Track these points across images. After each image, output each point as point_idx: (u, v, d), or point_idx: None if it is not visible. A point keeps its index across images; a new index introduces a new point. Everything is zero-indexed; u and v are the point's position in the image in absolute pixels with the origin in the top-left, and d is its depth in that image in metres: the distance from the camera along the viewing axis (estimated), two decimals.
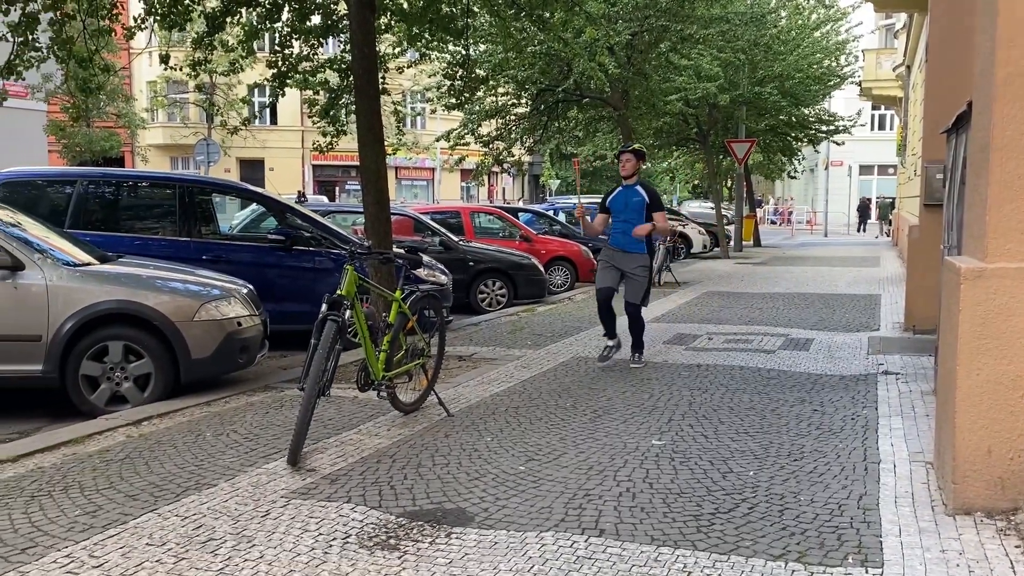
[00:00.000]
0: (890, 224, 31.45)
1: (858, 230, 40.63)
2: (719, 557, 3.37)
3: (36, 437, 5.26)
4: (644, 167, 7.58)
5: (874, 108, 40.24)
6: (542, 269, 12.92)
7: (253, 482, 4.27)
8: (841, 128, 26.02)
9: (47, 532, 3.63)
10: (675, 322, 10.14)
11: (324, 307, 4.80)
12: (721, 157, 27.20)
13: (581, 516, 3.81)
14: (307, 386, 4.57)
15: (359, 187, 43.29)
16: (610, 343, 7.43)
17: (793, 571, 3.25)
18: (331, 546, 3.48)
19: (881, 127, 45.18)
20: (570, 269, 14.65)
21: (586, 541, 3.53)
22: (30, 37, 6.69)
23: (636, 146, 7.56)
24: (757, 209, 34.89)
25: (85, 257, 6.43)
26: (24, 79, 7.90)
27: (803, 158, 32.11)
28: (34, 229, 6.59)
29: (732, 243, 24.08)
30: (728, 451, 4.81)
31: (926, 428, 5.14)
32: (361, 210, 8.68)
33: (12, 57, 6.70)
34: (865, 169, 46.03)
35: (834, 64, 24.67)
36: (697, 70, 17.43)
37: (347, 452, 4.80)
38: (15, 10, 6.48)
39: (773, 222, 49.58)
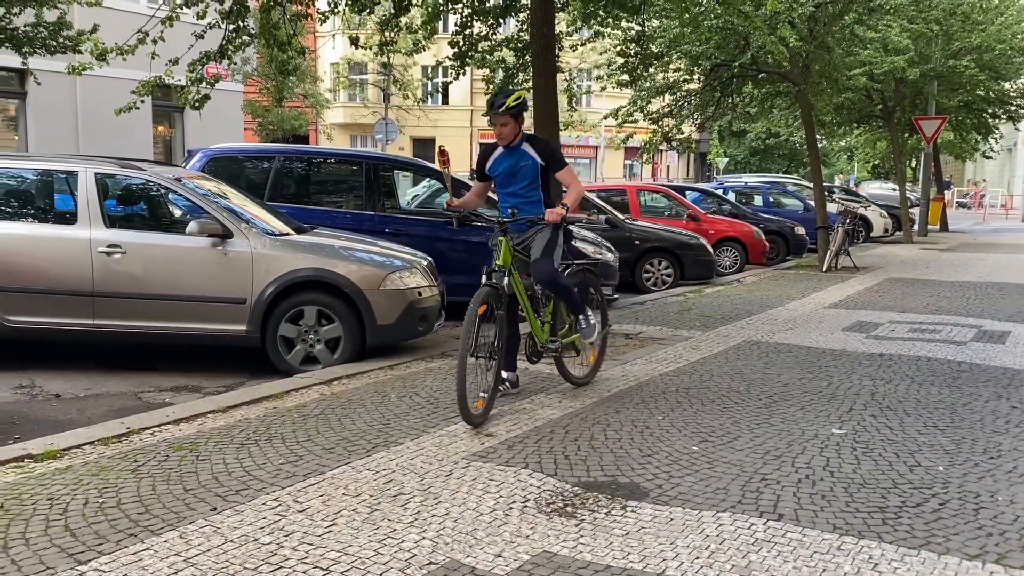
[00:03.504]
0: None
1: None
2: (908, 551, 3.25)
3: (241, 391, 5.76)
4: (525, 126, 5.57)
5: None
6: (710, 249, 12.66)
7: (435, 443, 4.51)
8: None
9: (256, 477, 3.99)
10: (855, 308, 9.69)
11: (483, 277, 4.98)
12: (907, 135, 25.46)
13: (759, 499, 3.77)
14: (459, 347, 4.75)
15: None
16: (506, 375, 5.52)
17: (991, 572, 3.09)
18: (511, 508, 3.64)
19: None
20: (739, 250, 14.28)
21: (764, 524, 3.50)
22: (241, 24, 7.27)
23: (512, 98, 5.26)
24: (945, 191, 32.47)
25: (283, 227, 6.93)
26: (235, 63, 8.55)
27: (1000, 136, 29.51)
28: (238, 200, 7.17)
29: (916, 227, 22.58)
30: (915, 444, 4.59)
31: None
32: None
33: (224, 42, 7.29)
34: None
35: None
36: (884, 43, 16.36)
37: (522, 421, 4.96)
38: None
39: (962, 205, 45.95)
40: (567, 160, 5.75)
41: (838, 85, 16.37)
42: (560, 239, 5.40)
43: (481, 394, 4.90)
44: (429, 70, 36.90)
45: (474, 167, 5.76)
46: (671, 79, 15.80)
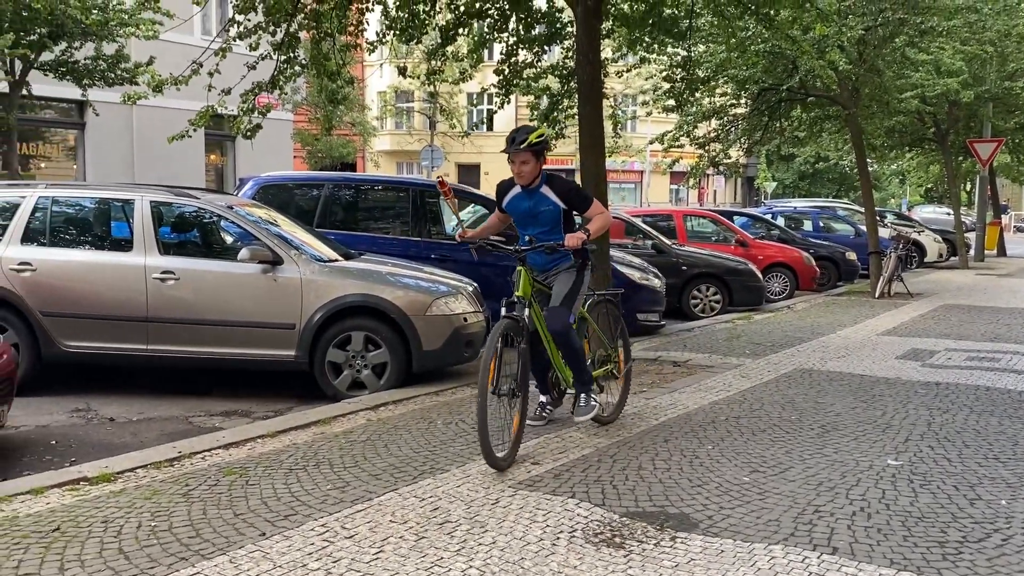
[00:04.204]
0: None
1: None
2: None
3: (289, 416, 5.82)
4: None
5: None
6: (759, 275, 12.50)
7: (481, 470, 4.48)
8: None
9: (304, 502, 4.01)
10: (909, 336, 9.46)
11: (503, 309, 4.66)
12: (961, 158, 24.95)
13: (812, 532, 3.67)
14: (479, 384, 4.37)
15: None
16: (543, 399, 5.46)
17: None
18: (558, 538, 3.60)
19: None
20: (789, 276, 14.06)
21: (819, 558, 3.40)
22: (292, 55, 7.44)
23: (535, 135, 4.87)
24: (1002, 215, 31.69)
25: (332, 254, 7.02)
26: (286, 92, 8.73)
27: None
28: (288, 227, 7.29)
29: (972, 252, 22.05)
30: (975, 477, 4.44)
31: None
32: None
33: (275, 73, 7.47)
34: None
35: None
36: (937, 65, 16.10)
37: (568, 448, 4.91)
38: (280, 31, 7.22)
39: (1021, 230, 44.73)
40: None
41: (889, 108, 16.14)
42: (584, 284, 5.07)
43: (505, 437, 4.58)
44: (474, 97, 37.26)
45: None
46: (717, 104, 15.73)
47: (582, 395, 5.05)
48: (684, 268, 11.90)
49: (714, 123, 16.47)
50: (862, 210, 17.26)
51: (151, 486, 4.22)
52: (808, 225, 19.30)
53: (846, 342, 8.99)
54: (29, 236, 6.69)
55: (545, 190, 5.00)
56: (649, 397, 6.25)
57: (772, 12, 9.11)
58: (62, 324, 6.50)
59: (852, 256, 16.27)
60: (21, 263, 6.54)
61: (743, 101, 15.97)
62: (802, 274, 14.08)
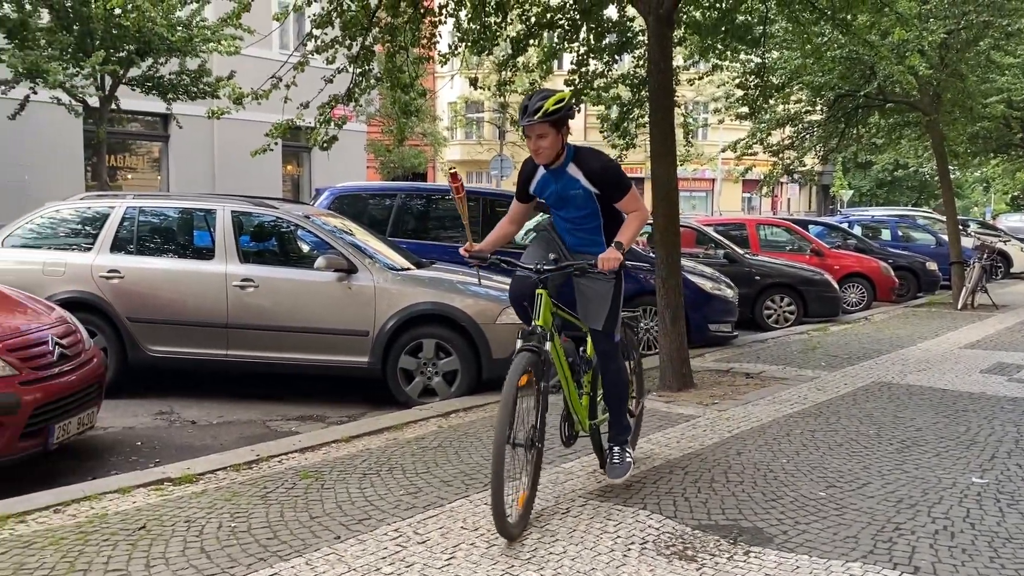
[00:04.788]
0: None
1: None
2: None
3: (363, 421, 5.92)
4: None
5: None
6: (836, 286, 12.20)
7: (552, 479, 4.49)
8: None
9: (377, 507, 4.08)
10: (994, 349, 9.12)
11: (519, 341, 3.88)
12: None
13: (892, 550, 3.57)
14: (495, 432, 3.61)
15: None
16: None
17: None
18: (629, 549, 3.58)
19: None
20: (867, 287, 13.70)
21: None
22: (367, 68, 7.61)
23: (552, 100, 3.91)
24: None
25: (404, 262, 7.13)
26: (361, 105, 8.91)
27: None
28: (362, 236, 7.44)
29: None
30: None
31: None
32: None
33: (351, 86, 7.65)
34: None
35: None
36: None
37: (638, 459, 4.87)
38: (356, 44, 7.39)
39: None
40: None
41: (973, 114, 15.58)
42: (621, 297, 4.21)
43: (517, 500, 3.75)
44: None
45: (517, 187, 4.37)
46: (792, 110, 15.45)
47: (616, 449, 4.29)
48: (757, 278, 11.70)
49: (788, 130, 16.17)
50: (943, 219, 16.71)
51: (231, 488, 4.35)
52: (886, 234, 18.77)
53: (927, 355, 8.71)
54: (117, 245, 6.97)
55: (572, 169, 4.09)
56: (721, 409, 6.17)
57: (849, 17, 8.92)
58: (147, 329, 6.75)
59: (932, 266, 15.76)
60: (110, 271, 6.82)
61: (819, 108, 15.65)
62: (880, 285, 13.70)
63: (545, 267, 3.93)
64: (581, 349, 4.35)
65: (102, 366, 5.42)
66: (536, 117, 3.90)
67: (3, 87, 12.81)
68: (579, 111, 10.11)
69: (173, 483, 4.41)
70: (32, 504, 4.05)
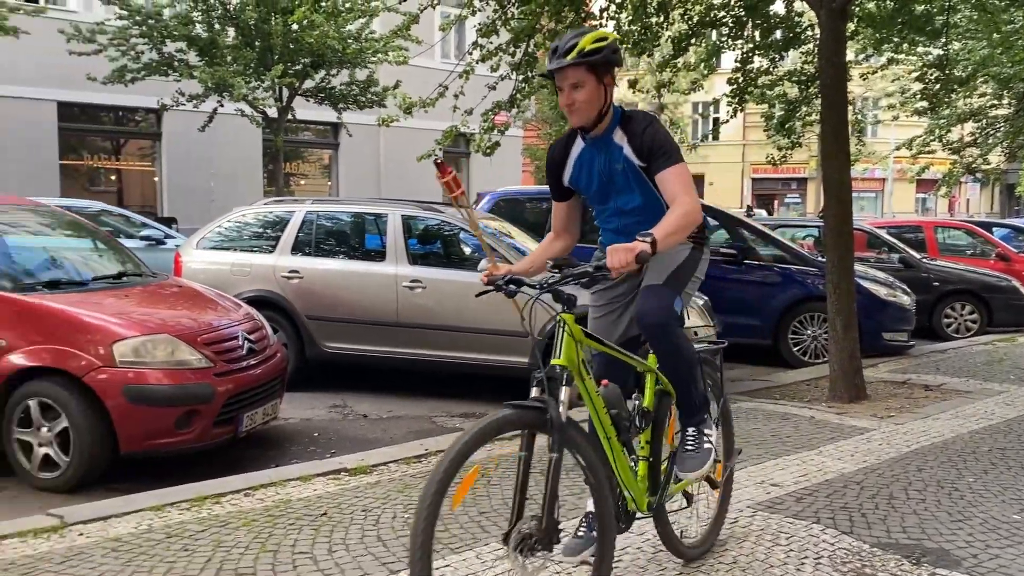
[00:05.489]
0: None
1: None
2: None
3: None
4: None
5: None
6: None
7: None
8: None
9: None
10: None
11: (533, 389, 2.81)
12: None
13: None
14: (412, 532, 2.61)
15: (798, 199, 41.16)
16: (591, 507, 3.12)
17: None
18: (803, 563, 3.45)
19: None
20: None
21: None
22: (529, 74, 7.73)
23: (589, 38, 2.90)
24: None
25: None
26: (524, 111, 9.05)
27: None
28: (521, 239, 7.57)
29: None
30: None
31: None
32: (805, 223, 8.46)
33: (514, 92, 7.79)
34: None
35: None
36: None
37: (809, 472, 4.70)
38: (519, 51, 7.52)
39: None
40: None
41: None
42: (700, 266, 3.20)
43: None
44: (700, 107, 36.69)
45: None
46: (975, 105, 14.43)
47: (691, 431, 3.15)
48: (936, 284, 10.99)
49: (970, 126, 15.11)
50: None
51: (402, 480, 4.54)
52: None
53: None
54: (297, 247, 7.42)
55: (619, 137, 3.06)
56: (899, 422, 5.84)
57: None
58: (323, 327, 7.15)
59: None
60: (291, 271, 7.27)
61: (1006, 101, 14.54)
62: None
63: (549, 282, 2.87)
64: (635, 396, 3.19)
65: (284, 360, 5.79)
66: (569, 58, 2.90)
67: (195, 101, 13.93)
68: (742, 110, 9.83)
69: (349, 473, 4.65)
70: (226, 487, 4.38)
